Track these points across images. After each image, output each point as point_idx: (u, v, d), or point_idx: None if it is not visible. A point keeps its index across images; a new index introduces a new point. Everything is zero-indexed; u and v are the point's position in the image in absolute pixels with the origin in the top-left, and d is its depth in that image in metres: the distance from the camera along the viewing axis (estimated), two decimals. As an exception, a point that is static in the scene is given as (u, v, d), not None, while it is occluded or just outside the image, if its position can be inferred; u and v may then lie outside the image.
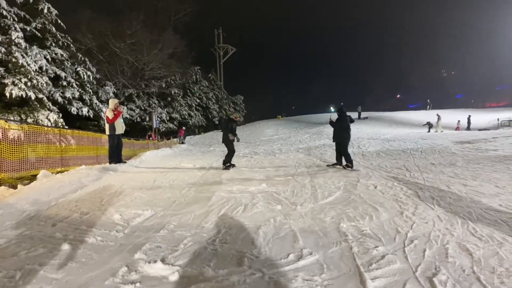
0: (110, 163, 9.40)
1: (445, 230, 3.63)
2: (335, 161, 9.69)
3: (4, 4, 16.13)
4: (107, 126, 9.60)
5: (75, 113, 19.93)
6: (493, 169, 7.65)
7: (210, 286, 2.55)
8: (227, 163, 9.61)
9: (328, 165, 9.72)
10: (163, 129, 36.31)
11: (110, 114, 9.44)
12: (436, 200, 4.98)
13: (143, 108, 35.69)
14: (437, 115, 26.58)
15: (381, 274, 2.66)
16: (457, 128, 28.88)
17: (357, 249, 3.19)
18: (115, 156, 9.65)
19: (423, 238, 3.40)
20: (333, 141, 9.77)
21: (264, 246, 3.34)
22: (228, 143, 9.73)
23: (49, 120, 14.75)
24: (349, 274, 2.70)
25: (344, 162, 9.14)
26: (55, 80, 19.09)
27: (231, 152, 9.74)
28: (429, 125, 25.94)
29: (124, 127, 9.96)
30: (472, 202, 4.79)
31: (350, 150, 14.07)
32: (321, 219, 4.22)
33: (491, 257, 2.91)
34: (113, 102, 9.76)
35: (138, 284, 2.56)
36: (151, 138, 23.30)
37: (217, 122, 44.13)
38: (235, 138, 9.73)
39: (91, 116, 21.13)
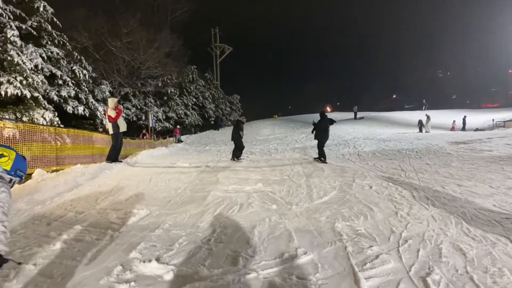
0: (107, 162, 9.37)
1: (439, 230, 3.65)
2: (322, 157, 10.94)
3: (-1, 2, 16.03)
4: (110, 126, 9.56)
5: (71, 112, 19.79)
6: (488, 170, 7.70)
7: (205, 285, 2.55)
8: (239, 157, 11.48)
9: (314, 158, 11.26)
10: (159, 128, 36.18)
11: (112, 113, 9.40)
12: (430, 200, 5.01)
13: (139, 107, 35.52)
14: (426, 115, 26.74)
15: (375, 274, 2.67)
16: (453, 129, 29.02)
17: (352, 248, 3.20)
18: (114, 155, 9.62)
19: (417, 238, 3.42)
20: (315, 139, 11.28)
21: (259, 245, 3.35)
22: (237, 140, 11.53)
23: (44, 118, 14.63)
24: (343, 273, 2.72)
25: (325, 157, 10.66)
26: (51, 78, 18.93)
27: (241, 148, 11.65)
28: (420, 124, 26.08)
29: (125, 125, 9.95)
30: (466, 203, 4.83)
31: (346, 150, 14.20)
32: (316, 218, 4.23)
33: (484, 257, 2.94)
34: (112, 101, 9.73)
35: (132, 283, 2.56)
36: (145, 137, 23.14)
37: (213, 122, 43.90)
38: (242, 134, 11.68)
39: (87, 115, 20.97)
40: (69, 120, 19.61)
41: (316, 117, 11.79)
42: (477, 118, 36.40)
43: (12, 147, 2.02)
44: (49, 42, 19.86)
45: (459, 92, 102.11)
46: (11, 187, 1.93)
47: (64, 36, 21.80)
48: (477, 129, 26.79)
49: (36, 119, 14.22)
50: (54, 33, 20.38)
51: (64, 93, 19.38)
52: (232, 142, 11.93)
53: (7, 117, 11.92)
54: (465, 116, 31.14)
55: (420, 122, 26.32)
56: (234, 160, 11.37)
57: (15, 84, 13.83)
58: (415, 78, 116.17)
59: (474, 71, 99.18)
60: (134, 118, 34.08)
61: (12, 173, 1.92)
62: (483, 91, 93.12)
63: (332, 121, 11.15)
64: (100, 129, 20.02)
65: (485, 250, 3.07)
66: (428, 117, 26.13)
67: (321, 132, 11.00)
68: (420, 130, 25.46)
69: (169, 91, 40.05)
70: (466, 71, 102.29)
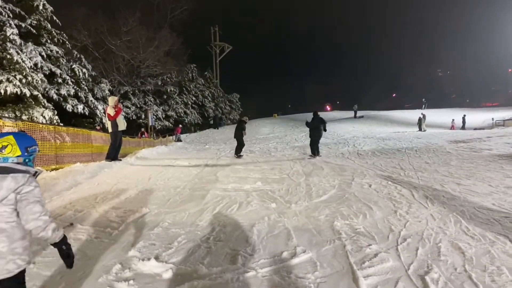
0: (106, 160, 9.36)
1: (438, 228, 3.66)
2: (312, 153, 11.83)
3: (-2, 0, 16.00)
4: (109, 124, 9.55)
5: (71, 110, 19.73)
6: (487, 168, 7.70)
7: (204, 284, 2.56)
8: (239, 153, 12.34)
9: (310, 155, 11.82)
10: (159, 126, 36.15)
11: (111, 111, 9.39)
12: (429, 199, 5.01)
13: (138, 105, 35.44)
14: (422, 114, 26.79)
15: (374, 272, 2.68)
16: (452, 127, 29.03)
17: (351, 247, 3.21)
18: (114, 153, 9.61)
19: (416, 237, 3.43)
20: (309, 137, 12.17)
21: (258, 244, 3.36)
22: (240, 138, 12.42)
23: (44, 117, 14.61)
24: (342, 272, 2.72)
25: (316, 153, 11.55)
26: (50, 77, 18.90)
27: (241, 145, 12.55)
28: (420, 122, 26.07)
29: (125, 124, 9.93)
30: (465, 201, 4.83)
31: (345, 148, 14.20)
32: (315, 217, 4.24)
33: (483, 255, 2.94)
34: (113, 99, 9.73)
35: (131, 282, 2.56)
36: (143, 136, 23.06)
37: (211, 122, 43.68)
38: (244, 133, 12.59)
39: (87, 113, 20.92)
40: (68, 118, 19.57)
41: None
42: (477, 117, 36.36)
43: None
44: (49, 41, 19.83)
45: (459, 91, 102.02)
46: (35, 177, 1.92)
47: (64, 34, 21.75)
48: (475, 129, 26.75)
49: (36, 117, 14.21)
50: (53, 32, 20.34)
51: (63, 91, 19.35)
52: (235, 139, 12.79)
53: (6, 115, 11.90)
54: (464, 115, 31.11)
55: (420, 120, 26.33)
56: (237, 156, 12.20)
57: (14, 83, 13.81)
58: (415, 77, 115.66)
59: (474, 70, 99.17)
60: (134, 117, 34.03)
61: (26, 154, 1.89)
62: (483, 90, 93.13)
63: (322, 121, 11.91)
64: (98, 127, 19.95)
65: (484, 249, 3.08)
66: (423, 116, 26.17)
67: (312, 130, 11.89)
68: (420, 128, 25.45)
69: (168, 90, 39.98)
70: (466, 70, 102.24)
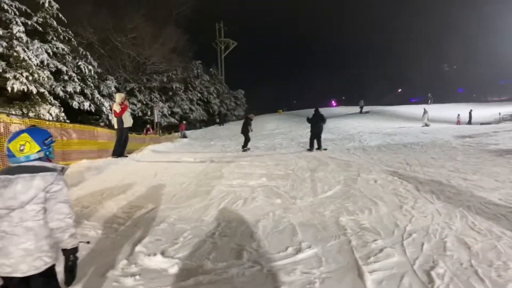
0: (112, 156, 9.43)
1: (443, 224, 3.64)
2: (309, 147, 12.74)
3: (5, -2, 16.08)
4: (114, 120, 9.62)
5: (77, 107, 19.83)
6: (494, 163, 7.62)
7: (209, 279, 2.58)
8: (245, 147, 13.38)
9: (307, 149, 12.62)
10: (165, 123, 36.25)
11: (117, 108, 9.46)
12: (435, 194, 4.98)
13: (144, 102, 35.52)
14: (424, 109, 26.62)
15: (379, 267, 2.68)
16: (458, 122, 28.75)
17: (356, 242, 3.21)
18: (119, 150, 9.68)
19: (421, 232, 3.41)
20: (310, 132, 13.02)
21: (263, 239, 3.37)
22: (246, 133, 13.51)
23: (50, 114, 14.74)
24: (347, 267, 2.73)
25: (315, 146, 12.49)
26: (57, 74, 18.97)
27: (247, 140, 13.61)
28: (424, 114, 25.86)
29: (131, 121, 9.98)
30: (471, 196, 4.80)
31: (351, 144, 14.21)
32: (320, 213, 4.24)
33: (489, 250, 2.93)
34: (119, 96, 9.80)
35: (137, 277, 2.59)
36: (149, 133, 23.14)
37: (217, 120, 43.76)
38: (250, 129, 13.71)
39: (93, 110, 21.04)
40: (75, 115, 19.66)
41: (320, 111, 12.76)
42: (484, 111, 35.92)
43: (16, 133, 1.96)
44: (55, 38, 19.90)
45: (466, 85, 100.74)
46: (63, 173, 1.93)
47: (70, 31, 21.81)
48: (482, 124, 26.45)
49: (42, 114, 14.32)
50: (59, 29, 20.40)
51: (70, 88, 19.45)
52: (242, 135, 13.87)
53: (13, 112, 12.01)
54: (471, 110, 30.78)
55: (424, 115, 26.12)
56: (243, 150, 13.18)
57: (21, 80, 13.91)
58: (420, 72, 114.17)
59: (481, 64, 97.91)
60: (140, 114, 34.13)
61: (44, 147, 1.89)
62: (490, 85, 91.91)
63: (322, 117, 12.84)
64: (102, 124, 20.04)
65: (490, 244, 3.06)
66: (425, 111, 25.99)
67: (313, 126, 12.77)
68: (426, 124, 25.25)
69: (174, 87, 40.02)
70: (473, 65, 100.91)
